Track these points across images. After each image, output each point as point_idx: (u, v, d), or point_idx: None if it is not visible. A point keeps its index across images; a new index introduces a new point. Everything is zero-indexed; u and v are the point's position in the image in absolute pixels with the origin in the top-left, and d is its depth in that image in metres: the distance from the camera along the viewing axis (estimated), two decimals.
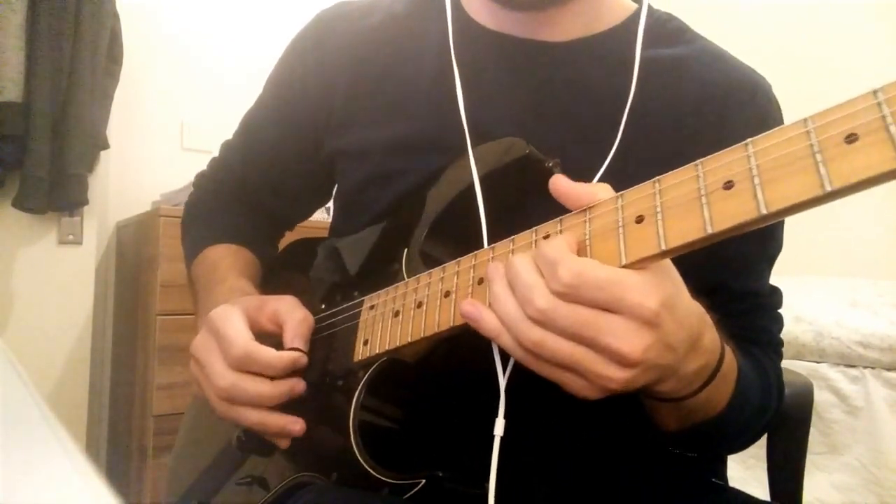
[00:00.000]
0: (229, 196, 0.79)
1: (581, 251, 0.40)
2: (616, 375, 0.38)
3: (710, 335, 0.45)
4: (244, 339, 0.53)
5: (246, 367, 0.53)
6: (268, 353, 0.53)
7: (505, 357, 0.48)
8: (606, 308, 0.37)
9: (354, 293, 0.58)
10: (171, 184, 1.84)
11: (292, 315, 0.56)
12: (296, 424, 0.54)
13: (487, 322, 0.42)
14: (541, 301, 0.38)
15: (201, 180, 0.83)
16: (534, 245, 0.43)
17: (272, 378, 0.53)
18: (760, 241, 0.62)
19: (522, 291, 0.39)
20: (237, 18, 2.18)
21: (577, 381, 0.40)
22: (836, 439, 1.44)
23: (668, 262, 0.40)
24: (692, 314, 0.41)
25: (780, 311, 0.65)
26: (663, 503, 0.59)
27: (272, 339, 0.56)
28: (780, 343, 0.65)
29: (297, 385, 0.54)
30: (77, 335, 1.73)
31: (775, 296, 0.65)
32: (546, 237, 0.43)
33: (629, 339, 0.37)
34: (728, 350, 0.48)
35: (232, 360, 0.53)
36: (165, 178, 1.91)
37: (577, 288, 0.37)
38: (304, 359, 0.55)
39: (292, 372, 0.55)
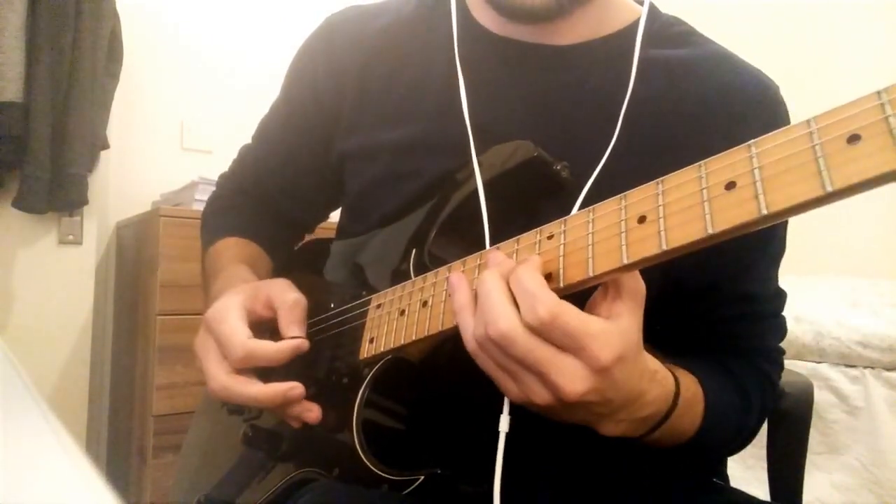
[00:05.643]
0: (246, 197, 0.80)
1: (583, 252, 0.41)
2: (543, 398, 0.41)
3: (656, 392, 0.47)
4: (242, 339, 0.53)
5: (248, 365, 0.53)
6: (268, 349, 0.53)
7: None
8: (565, 349, 0.40)
9: (363, 293, 0.59)
10: (171, 184, 1.85)
11: (283, 300, 0.56)
12: (311, 412, 0.54)
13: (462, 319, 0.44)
14: (505, 325, 0.40)
15: (222, 181, 0.85)
16: (538, 246, 0.43)
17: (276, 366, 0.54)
18: (761, 241, 0.61)
19: (487, 312, 0.41)
20: (237, 18, 2.18)
21: (509, 383, 0.43)
22: (836, 439, 1.44)
23: (638, 317, 0.42)
24: (635, 376, 0.43)
25: (781, 316, 0.64)
26: (664, 502, 0.59)
27: (271, 324, 0.57)
28: (777, 350, 0.64)
29: (294, 389, 0.52)
30: (77, 335, 1.73)
31: (776, 300, 0.64)
32: (551, 237, 0.43)
33: (573, 381, 0.40)
34: (688, 388, 0.52)
35: (234, 362, 0.53)
36: (165, 178, 1.91)
37: (549, 327, 0.39)
38: (305, 343, 0.55)
39: (295, 362, 0.55)
